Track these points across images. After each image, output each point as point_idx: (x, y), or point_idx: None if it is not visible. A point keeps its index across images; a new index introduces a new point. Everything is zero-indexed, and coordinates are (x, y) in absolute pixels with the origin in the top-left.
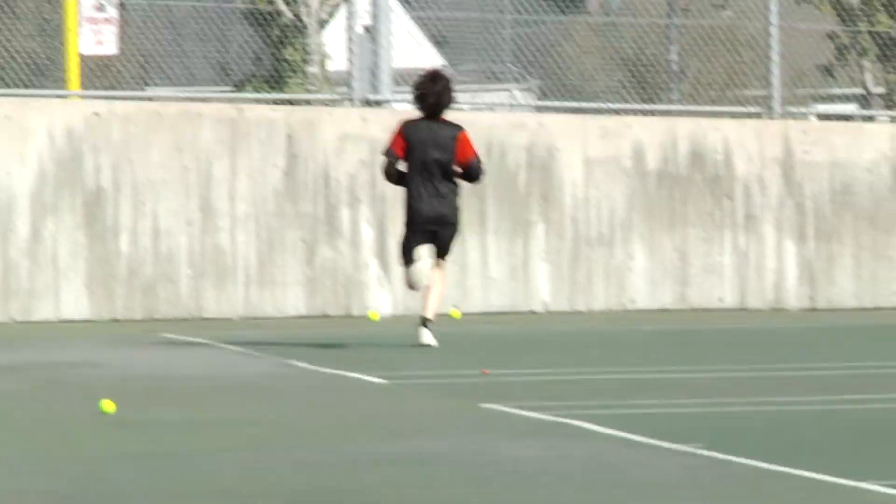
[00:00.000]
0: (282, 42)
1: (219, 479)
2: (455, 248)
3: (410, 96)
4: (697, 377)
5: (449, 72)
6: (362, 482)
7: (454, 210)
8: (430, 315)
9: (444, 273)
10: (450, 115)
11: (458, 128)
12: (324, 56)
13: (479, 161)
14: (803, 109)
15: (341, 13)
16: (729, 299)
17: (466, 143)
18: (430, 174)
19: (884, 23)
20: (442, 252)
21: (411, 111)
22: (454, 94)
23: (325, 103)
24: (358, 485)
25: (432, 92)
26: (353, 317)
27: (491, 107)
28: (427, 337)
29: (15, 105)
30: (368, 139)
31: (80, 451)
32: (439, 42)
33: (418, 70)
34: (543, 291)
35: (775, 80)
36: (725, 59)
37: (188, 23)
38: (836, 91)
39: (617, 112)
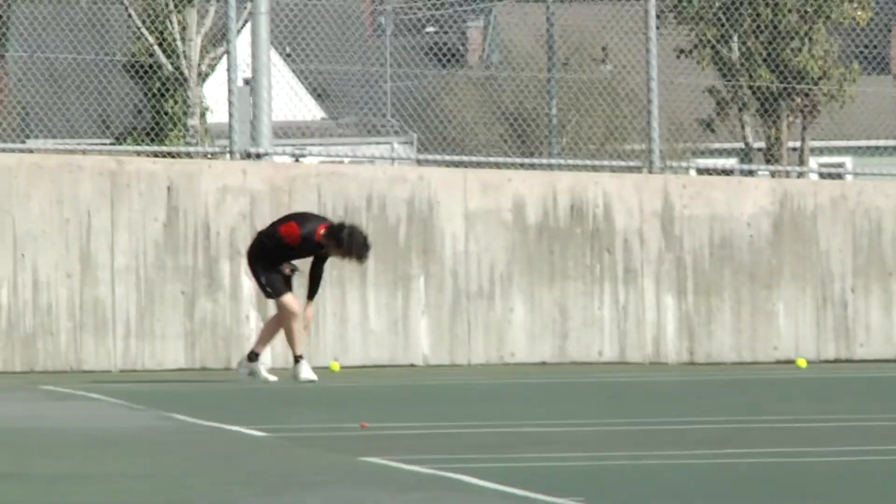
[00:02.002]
0: (162, 95)
1: None
2: (335, 301)
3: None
4: (577, 431)
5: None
6: None
7: None
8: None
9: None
10: (330, 168)
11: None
12: (204, 109)
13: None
14: (683, 164)
15: (222, 66)
16: (608, 353)
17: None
18: None
19: (764, 77)
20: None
21: (292, 164)
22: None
23: (206, 156)
24: None
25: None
26: (232, 370)
27: (371, 160)
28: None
29: None
30: (249, 192)
31: None
32: (320, 95)
33: (299, 123)
34: (423, 345)
35: (655, 134)
36: (605, 113)
37: (68, 75)
38: (717, 145)
39: (497, 166)
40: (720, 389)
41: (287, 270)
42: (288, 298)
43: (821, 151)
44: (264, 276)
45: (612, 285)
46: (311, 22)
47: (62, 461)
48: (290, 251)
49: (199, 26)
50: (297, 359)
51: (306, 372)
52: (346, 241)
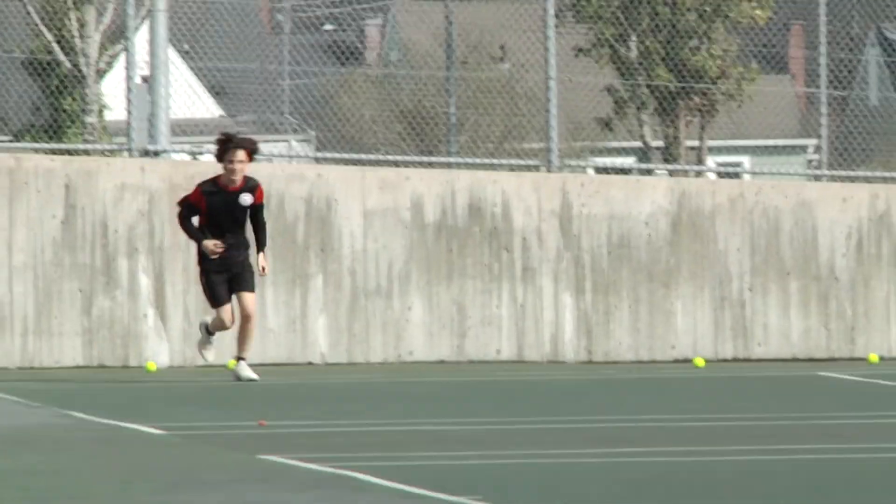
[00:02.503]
0: (60, 92)
1: None
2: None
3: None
4: (475, 429)
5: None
6: None
7: None
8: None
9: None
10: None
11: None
12: (102, 106)
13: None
14: (581, 163)
15: (120, 63)
16: (506, 351)
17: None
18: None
19: (662, 76)
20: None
21: (190, 161)
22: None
23: (104, 153)
24: None
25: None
26: (130, 367)
27: (269, 158)
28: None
29: None
30: (147, 189)
31: None
32: (218, 93)
33: (197, 121)
34: (321, 343)
35: (553, 132)
36: (504, 111)
37: None
38: (615, 144)
39: (395, 164)
40: (617, 388)
41: (217, 250)
42: (222, 312)
43: (719, 151)
44: (203, 284)
45: (510, 284)
46: (210, 19)
47: None
48: (212, 215)
49: (97, 23)
50: (238, 358)
51: (247, 371)
52: (219, 140)
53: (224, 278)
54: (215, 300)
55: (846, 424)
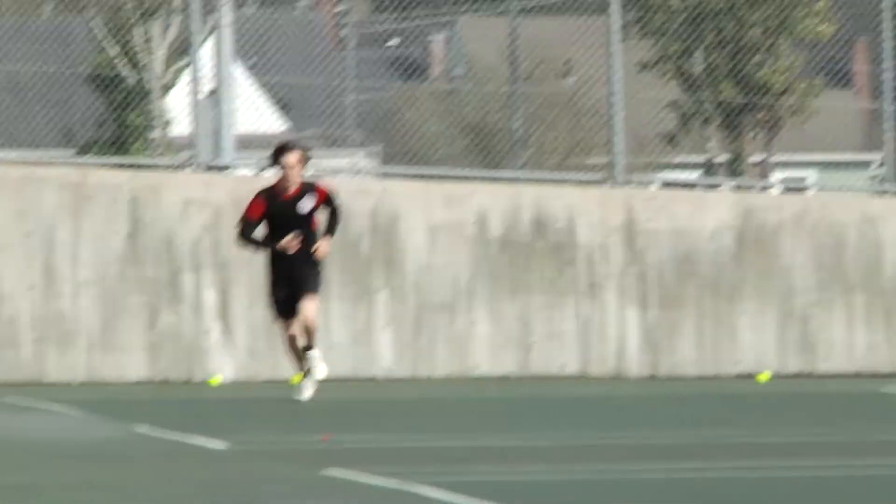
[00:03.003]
0: (125, 106)
1: None
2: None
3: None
4: (539, 445)
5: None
6: None
7: None
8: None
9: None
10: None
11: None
12: (167, 121)
13: None
14: (646, 178)
15: (185, 78)
16: (571, 366)
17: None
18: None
19: (727, 91)
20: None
21: (255, 176)
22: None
23: (169, 168)
24: None
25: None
26: (194, 382)
27: (334, 172)
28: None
29: None
30: (212, 204)
31: None
32: (283, 107)
33: (262, 135)
34: (386, 357)
35: (618, 147)
36: (568, 126)
37: (32, 86)
38: (679, 159)
39: (460, 178)
40: (682, 404)
41: (293, 242)
42: (283, 324)
43: (784, 165)
44: (270, 296)
45: (574, 299)
46: (275, 34)
47: (25, 473)
48: (272, 224)
49: (162, 38)
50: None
51: (306, 389)
52: (274, 152)
53: (287, 292)
54: (280, 312)
55: None
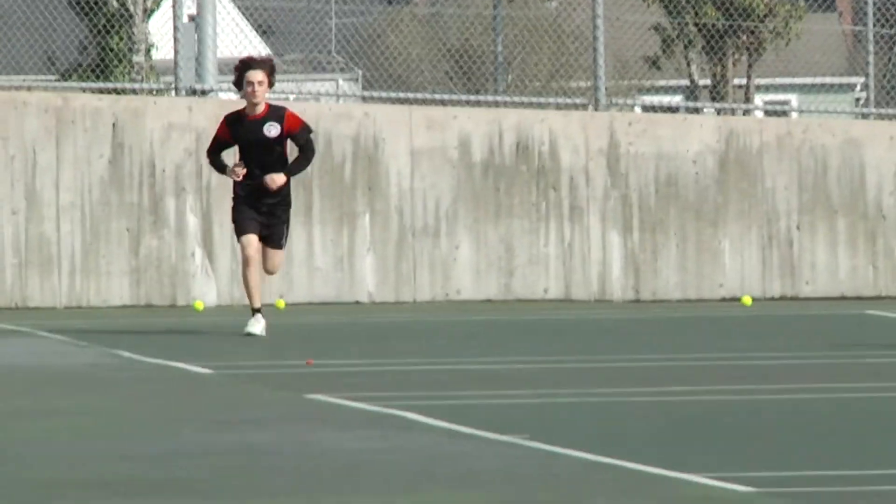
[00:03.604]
0: (108, 31)
1: (43, 468)
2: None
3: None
4: (522, 368)
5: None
6: (189, 472)
7: None
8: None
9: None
10: (275, 105)
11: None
12: (149, 45)
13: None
14: (629, 101)
15: (167, 2)
16: (554, 290)
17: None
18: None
19: (710, 15)
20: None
21: (237, 100)
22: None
23: (151, 92)
24: (185, 475)
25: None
26: (178, 307)
27: (316, 97)
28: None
29: None
30: (194, 128)
31: None
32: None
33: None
34: (369, 282)
35: (601, 71)
36: (551, 50)
37: (13, 11)
38: (662, 83)
39: (443, 103)
40: (664, 327)
41: (238, 170)
42: (244, 241)
43: (766, 89)
44: (232, 216)
45: (557, 223)
46: None
47: (8, 397)
48: (242, 149)
49: None
50: (253, 311)
51: (252, 326)
52: (238, 68)
53: (254, 214)
54: (240, 229)
55: (889, 364)
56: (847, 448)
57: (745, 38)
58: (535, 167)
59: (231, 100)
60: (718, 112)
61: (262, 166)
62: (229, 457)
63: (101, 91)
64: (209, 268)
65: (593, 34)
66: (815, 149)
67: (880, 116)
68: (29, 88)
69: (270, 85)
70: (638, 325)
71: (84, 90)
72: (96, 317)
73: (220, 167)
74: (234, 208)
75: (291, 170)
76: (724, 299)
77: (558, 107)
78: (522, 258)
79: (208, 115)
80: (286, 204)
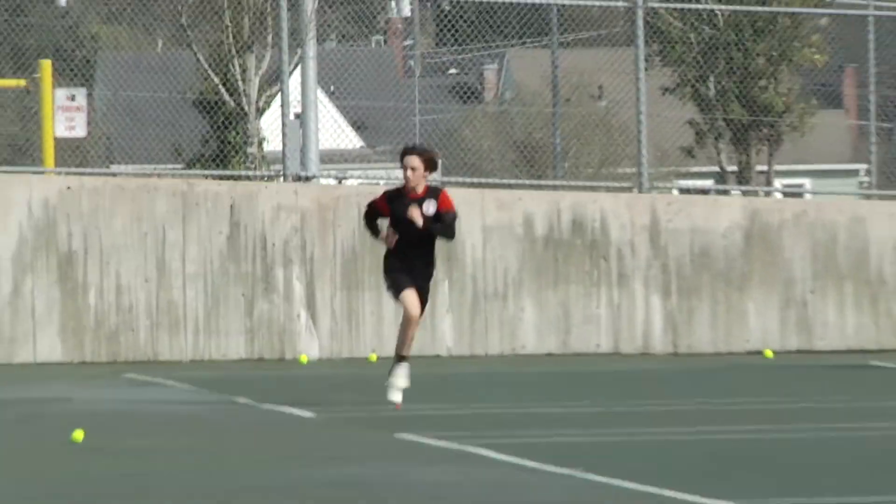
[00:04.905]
0: (226, 127)
1: (179, 497)
2: (373, 302)
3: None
4: (578, 411)
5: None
6: (299, 502)
7: None
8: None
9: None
10: (368, 189)
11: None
12: (261, 139)
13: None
14: (668, 185)
15: (276, 102)
16: (605, 345)
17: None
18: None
19: (736, 111)
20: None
21: (336, 186)
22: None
23: (263, 179)
24: None
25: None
26: (285, 360)
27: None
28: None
29: None
30: (299, 209)
31: (56, 472)
32: (359, 127)
33: (341, 151)
34: (448, 338)
35: (644, 159)
36: (601, 142)
37: (146, 110)
38: (696, 169)
39: (510, 187)
40: (700, 376)
41: (392, 237)
42: (405, 296)
43: (784, 174)
44: (386, 278)
45: (607, 288)
46: (352, 65)
47: (145, 438)
48: (396, 222)
49: (256, 69)
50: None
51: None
52: (401, 154)
53: (406, 275)
54: (398, 287)
55: (892, 406)
56: (864, 477)
57: (766, 131)
58: (589, 241)
59: (330, 185)
60: (744, 194)
61: (414, 245)
62: (334, 489)
63: (220, 178)
64: (312, 327)
65: (637, 128)
66: (827, 225)
67: (882, 197)
68: (159, 176)
69: (427, 170)
70: (677, 375)
71: (206, 177)
72: (216, 369)
73: (374, 230)
74: (386, 275)
75: (436, 228)
76: (749, 352)
77: (608, 189)
78: (578, 318)
79: (311, 198)
80: (431, 273)
